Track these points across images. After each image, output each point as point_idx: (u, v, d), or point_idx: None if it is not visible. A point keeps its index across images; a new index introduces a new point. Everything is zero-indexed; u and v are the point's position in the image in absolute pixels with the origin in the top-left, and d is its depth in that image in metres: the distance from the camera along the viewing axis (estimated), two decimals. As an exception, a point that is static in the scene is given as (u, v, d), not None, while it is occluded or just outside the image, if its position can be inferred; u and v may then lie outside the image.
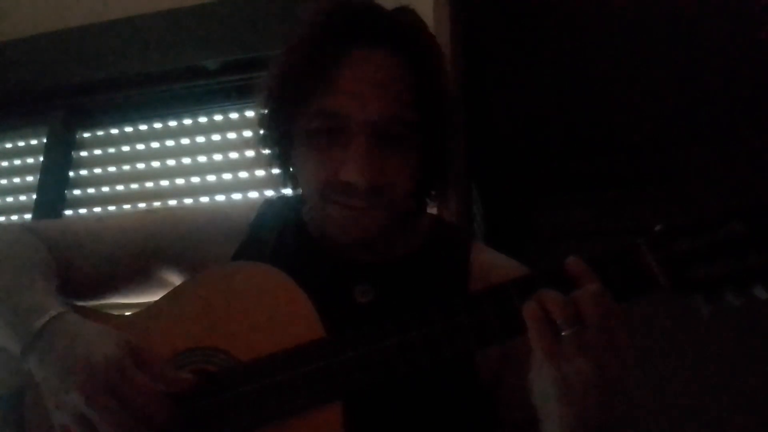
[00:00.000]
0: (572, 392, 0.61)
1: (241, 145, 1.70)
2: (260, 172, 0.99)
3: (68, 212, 1.79)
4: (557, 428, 0.63)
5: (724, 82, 2.51)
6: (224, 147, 1.72)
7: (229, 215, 0.93)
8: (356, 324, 0.69)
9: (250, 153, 1.62)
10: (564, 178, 3.02)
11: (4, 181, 1.91)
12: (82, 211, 1.80)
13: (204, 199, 1.69)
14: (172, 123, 1.79)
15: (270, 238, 0.89)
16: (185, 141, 1.77)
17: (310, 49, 0.77)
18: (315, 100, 0.77)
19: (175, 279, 0.89)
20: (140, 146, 1.81)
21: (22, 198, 1.86)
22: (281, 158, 0.86)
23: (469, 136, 1.64)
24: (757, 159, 2.63)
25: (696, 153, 2.83)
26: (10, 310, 0.75)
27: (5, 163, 1.93)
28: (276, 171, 0.88)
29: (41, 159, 1.83)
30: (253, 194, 1.64)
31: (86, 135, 1.87)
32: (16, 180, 1.90)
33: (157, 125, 1.80)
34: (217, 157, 1.72)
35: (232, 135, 1.73)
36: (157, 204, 1.73)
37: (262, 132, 0.86)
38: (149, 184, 1.77)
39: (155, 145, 1.80)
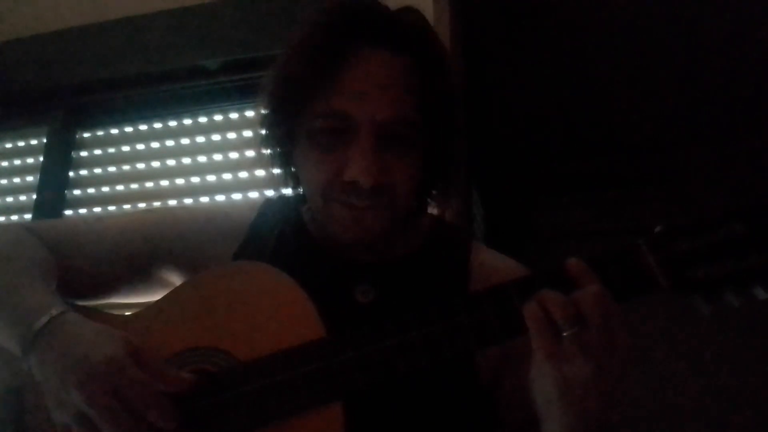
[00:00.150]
0: (572, 392, 0.61)
1: (241, 145, 1.70)
2: (260, 172, 0.99)
3: (68, 212, 1.79)
4: (557, 428, 0.63)
5: (724, 82, 2.51)
6: (224, 147, 1.72)
7: (229, 215, 0.93)
8: (356, 324, 0.69)
9: (250, 153, 1.63)
10: (564, 178, 3.02)
11: (4, 181, 1.91)
12: (82, 211, 1.80)
13: (204, 199, 1.69)
14: (172, 123, 1.80)
15: (270, 238, 0.88)
16: (185, 141, 1.77)
17: (315, 49, 0.77)
18: (319, 100, 0.77)
19: (175, 279, 0.89)
20: (140, 146, 1.81)
21: (22, 198, 1.86)
22: (283, 158, 0.86)
23: (469, 137, 1.64)
24: (757, 159, 2.63)
25: (696, 153, 2.83)
26: (10, 309, 0.75)
27: (5, 163, 1.93)
28: (277, 171, 0.88)
29: (41, 159, 1.83)
30: (253, 194, 1.64)
31: (86, 135, 1.87)
32: (16, 180, 1.90)
33: (157, 125, 1.81)
34: (217, 157, 1.72)
35: (232, 135, 1.73)
36: (157, 204, 1.73)
37: (263, 132, 0.86)
38: (149, 184, 1.77)
39: (155, 145, 1.80)
